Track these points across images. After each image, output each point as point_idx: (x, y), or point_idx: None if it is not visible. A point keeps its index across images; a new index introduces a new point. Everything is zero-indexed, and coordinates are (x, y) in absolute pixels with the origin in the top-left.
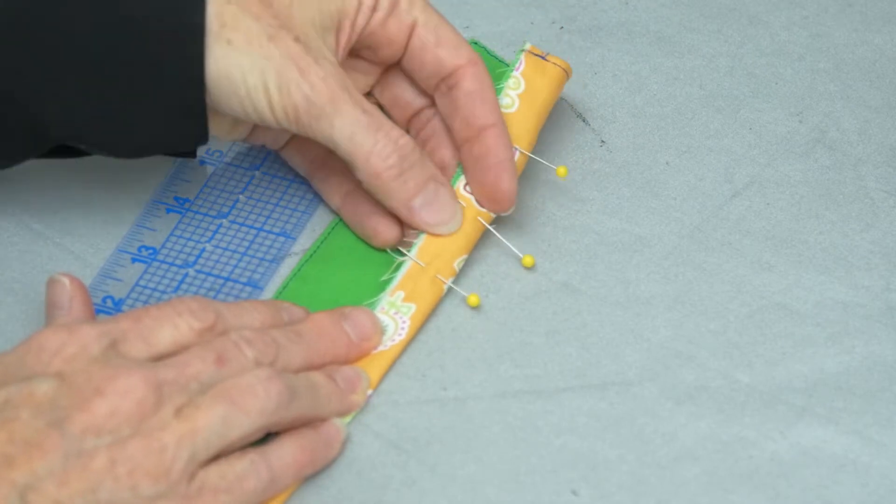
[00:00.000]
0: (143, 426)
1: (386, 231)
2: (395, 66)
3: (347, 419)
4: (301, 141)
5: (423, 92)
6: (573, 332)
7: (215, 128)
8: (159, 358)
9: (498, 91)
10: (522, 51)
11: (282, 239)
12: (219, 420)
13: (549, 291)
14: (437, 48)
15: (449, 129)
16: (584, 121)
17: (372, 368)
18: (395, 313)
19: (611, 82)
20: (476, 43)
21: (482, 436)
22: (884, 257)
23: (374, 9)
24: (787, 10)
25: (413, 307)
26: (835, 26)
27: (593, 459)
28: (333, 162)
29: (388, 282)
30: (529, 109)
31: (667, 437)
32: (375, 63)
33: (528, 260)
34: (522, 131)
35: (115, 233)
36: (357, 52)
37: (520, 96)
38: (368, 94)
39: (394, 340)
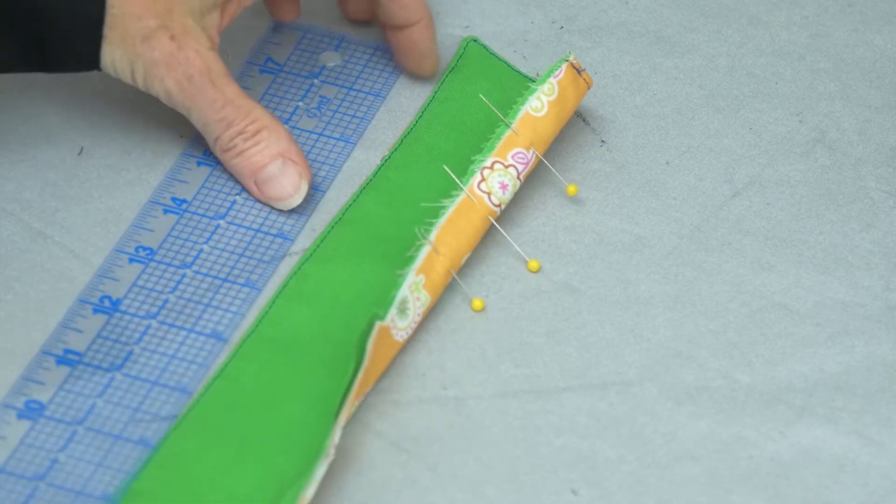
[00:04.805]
0: None
1: None
2: None
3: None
4: None
5: None
6: (573, 332)
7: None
8: None
9: (530, 92)
10: (566, 60)
11: (279, 240)
12: None
13: (549, 291)
14: None
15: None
16: (584, 121)
17: (381, 357)
18: (416, 298)
19: (611, 82)
20: (476, 41)
21: (482, 436)
22: (884, 257)
23: None
24: (787, 10)
25: (428, 299)
26: (835, 26)
27: (593, 459)
28: None
29: (413, 258)
30: (555, 118)
31: (667, 437)
32: None
33: (533, 264)
34: (544, 137)
35: (115, 232)
36: None
37: (550, 103)
38: None
39: (407, 332)
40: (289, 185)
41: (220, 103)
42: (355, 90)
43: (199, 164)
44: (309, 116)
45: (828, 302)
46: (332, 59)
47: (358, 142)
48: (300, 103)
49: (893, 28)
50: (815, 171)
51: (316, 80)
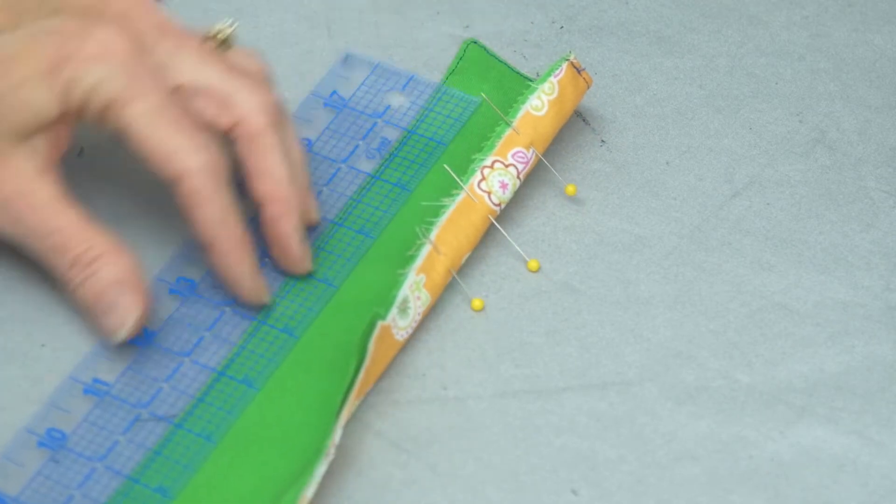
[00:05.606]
0: None
1: None
2: None
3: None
4: None
5: None
6: (573, 332)
7: None
8: None
9: (531, 91)
10: (566, 59)
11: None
12: None
13: (549, 291)
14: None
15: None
16: (584, 121)
17: (382, 356)
18: (416, 297)
19: (611, 82)
20: (475, 43)
21: (482, 436)
22: (884, 257)
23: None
24: (787, 10)
25: (428, 298)
26: (835, 26)
27: (593, 459)
28: None
29: (413, 257)
30: (555, 117)
31: (667, 437)
32: None
33: (533, 264)
34: (544, 136)
35: (114, 231)
36: None
37: (550, 102)
38: None
39: (408, 332)
40: (117, 319)
41: (45, 231)
42: (418, 134)
43: None
44: (368, 158)
45: (828, 302)
46: (397, 99)
47: (414, 189)
48: (360, 142)
49: (893, 28)
50: (815, 171)
51: (379, 120)
